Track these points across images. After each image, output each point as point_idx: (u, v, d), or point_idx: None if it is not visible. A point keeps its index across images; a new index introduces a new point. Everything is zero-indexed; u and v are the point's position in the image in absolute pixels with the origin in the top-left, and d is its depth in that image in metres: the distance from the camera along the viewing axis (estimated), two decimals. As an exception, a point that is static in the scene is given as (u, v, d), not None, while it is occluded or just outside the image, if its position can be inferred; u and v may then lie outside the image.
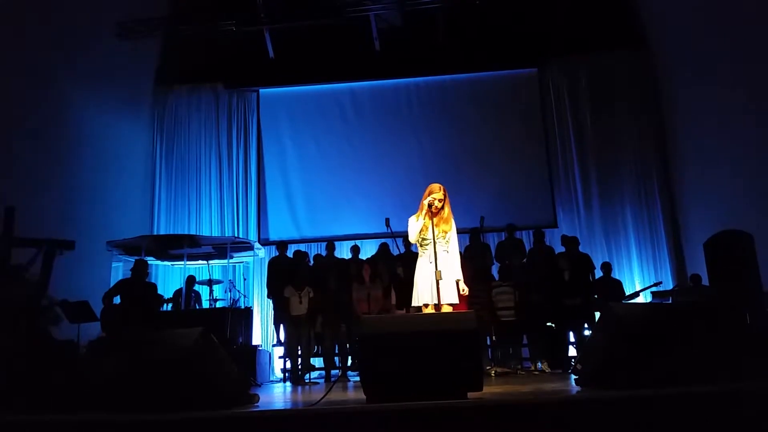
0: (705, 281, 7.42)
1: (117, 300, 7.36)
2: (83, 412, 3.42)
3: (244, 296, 9.19)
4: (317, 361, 8.23)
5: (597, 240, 10.04)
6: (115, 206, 9.67)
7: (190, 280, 8.95)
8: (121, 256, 9.13)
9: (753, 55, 7.42)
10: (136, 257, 8.36)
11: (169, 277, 10.19)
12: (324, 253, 9.19)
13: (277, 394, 5.94)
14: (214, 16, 9.92)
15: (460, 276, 4.67)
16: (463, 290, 4.67)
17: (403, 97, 10.84)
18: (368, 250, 9.36)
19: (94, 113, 9.25)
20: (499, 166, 10.35)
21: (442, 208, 4.63)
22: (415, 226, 4.66)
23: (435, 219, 4.59)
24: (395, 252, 8.51)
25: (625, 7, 10.33)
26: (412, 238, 4.69)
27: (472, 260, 7.83)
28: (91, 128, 9.21)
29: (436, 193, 4.62)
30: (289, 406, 4.35)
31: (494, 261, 8.73)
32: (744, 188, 7.83)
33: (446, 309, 4.39)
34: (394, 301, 7.70)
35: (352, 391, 5.56)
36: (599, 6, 10.15)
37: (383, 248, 8.81)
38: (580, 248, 8.40)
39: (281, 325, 8.37)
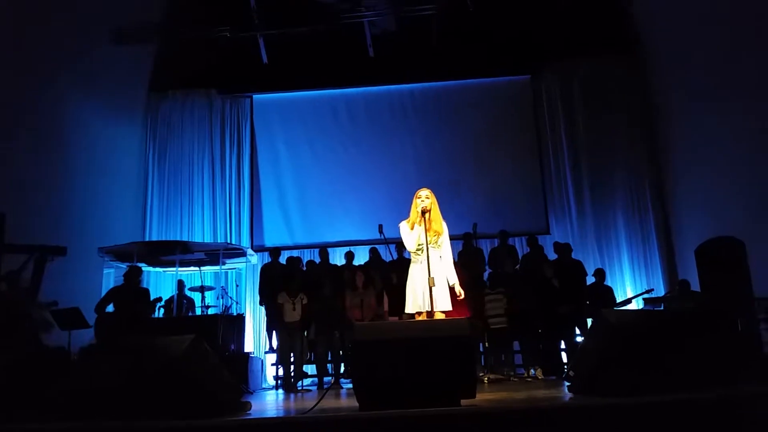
0: (696, 287, 7.45)
1: (110, 308, 7.31)
2: (75, 420, 3.39)
3: (237, 303, 9.16)
4: (310, 368, 8.20)
5: (589, 246, 10.08)
6: (107, 212, 9.62)
7: (181, 285, 8.90)
8: (112, 263, 9.08)
9: (746, 62, 7.49)
10: (129, 263, 8.32)
11: (161, 283, 10.13)
12: (317, 260, 9.18)
13: (270, 402, 5.91)
14: (208, 22, 9.93)
15: (456, 280, 4.67)
16: (459, 294, 4.67)
17: (396, 103, 10.87)
18: (362, 256, 9.36)
19: (87, 118, 9.22)
20: (492, 172, 10.39)
21: (430, 209, 4.63)
22: (411, 235, 4.65)
23: (426, 223, 4.59)
24: (387, 258, 8.51)
25: (618, 13, 10.41)
26: (411, 247, 4.69)
27: (465, 267, 7.83)
28: (84, 133, 9.18)
29: (423, 191, 4.68)
30: (281, 414, 4.33)
31: (487, 267, 8.74)
32: (735, 195, 7.88)
33: (439, 316, 4.38)
34: (386, 307, 7.69)
35: (345, 398, 5.54)
36: (592, 13, 10.22)
37: (374, 254, 8.81)
38: (573, 255, 8.43)
39: (274, 332, 8.34)
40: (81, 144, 9.11)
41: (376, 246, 8.89)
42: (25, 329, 5.22)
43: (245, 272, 10.12)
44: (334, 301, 7.74)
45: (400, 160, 10.53)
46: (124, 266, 8.34)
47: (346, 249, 9.26)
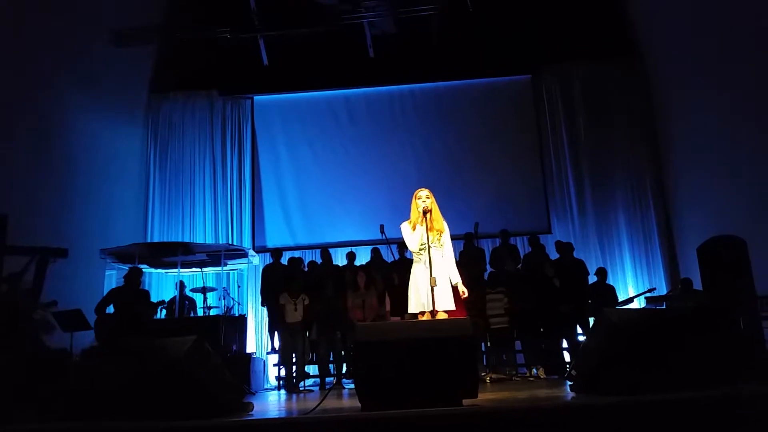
0: (698, 286, 7.43)
1: (110, 309, 7.31)
2: (76, 421, 3.40)
3: (239, 304, 9.16)
4: (312, 369, 8.20)
5: (591, 246, 10.07)
6: (109, 214, 9.63)
7: (181, 286, 8.89)
8: (114, 264, 9.08)
9: (746, 62, 7.48)
10: (130, 265, 8.32)
11: (162, 284, 10.14)
12: (319, 260, 9.18)
13: (272, 402, 5.92)
14: (208, 24, 9.94)
15: (458, 279, 4.67)
16: (463, 293, 4.67)
17: (397, 103, 10.87)
18: (363, 256, 9.36)
19: (88, 120, 9.23)
20: (493, 172, 10.39)
21: (431, 209, 4.64)
22: (413, 236, 4.65)
23: (427, 223, 4.59)
24: (388, 258, 8.51)
25: (618, 14, 10.41)
26: (414, 247, 4.69)
27: (466, 266, 7.82)
28: (85, 135, 9.19)
29: (423, 191, 4.69)
30: (283, 415, 4.33)
31: (488, 267, 8.73)
32: (737, 193, 7.87)
33: (441, 316, 4.38)
34: (388, 307, 7.69)
35: (347, 398, 5.55)
36: (592, 13, 10.22)
37: (376, 254, 8.81)
38: (574, 254, 8.42)
39: (276, 333, 8.34)
40: (82, 145, 9.11)
41: (378, 246, 8.88)
42: (25, 331, 5.21)
43: (247, 273, 10.12)
44: (336, 302, 7.74)
45: (401, 161, 10.53)
46: (125, 268, 8.33)
47: (348, 249, 9.26)
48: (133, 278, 7.47)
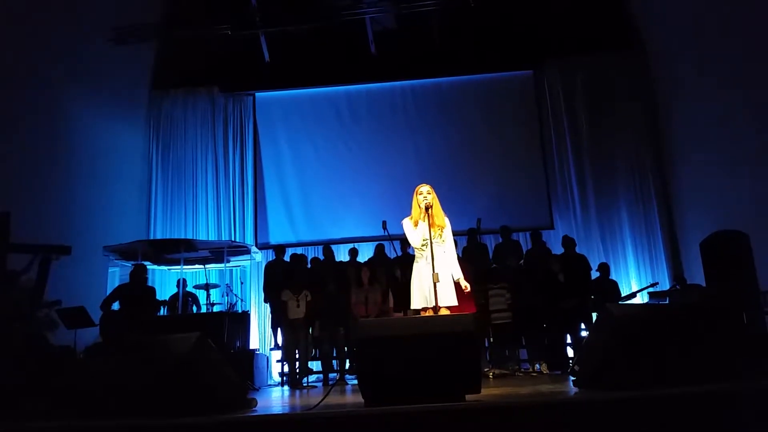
0: (701, 281, 7.42)
1: (116, 306, 7.34)
2: (80, 419, 3.41)
3: (242, 300, 9.18)
4: (315, 365, 8.22)
5: (593, 241, 10.05)
6: (112, 211, 9.64)
7: (183, 283, 8.91)
8: (117, 261, 9.11)
9: (749, 56, 7.46)
10: (133, 262, 8.33)
11: (165, 281, 10.16)
12: (321, 257, 9.18)
13: (275, 398, 5.93)
14: (209, 20, 9.93)
15: (460, 274, 4.67)
16: (465, 287, 4.67)
17: (399, 99, 10.85)
18: (366, 252, 9.36)
19: (90, 118, 9.23)
20: (495, 167, 10.38)
21: (432, 204, 4.64)
22: (416, 232, 4.65)
23: (429, 219, 4.59)
24: (391, 254, 8.51)
25: (621, 8, 10.37)
26: (416, 243, 4.69)
27: (469, 262, 7.82)
28: (87, 133, 9.20)
29: (424, 187, 4.69)
30: (286, 411, 4.34)
31: (492, 263, 8.72)
32: (740, 188, 7.85)
33: (444, 312, 4.38)
34: (391, 303, 7.69)
35: (350, 394, 5.55)
36: (595, 7, 10.18)
37: (379, 250, 8.81)
38: (577, 249, 8.41)
39: (279, 329, 8.35)
40: (84, 143, 9.12)
41: (382, 242, 8.88)
42: (24, 329, 5.22)
43: (249, 270, 10.14)
44: (339, 298, 7.74)
45: (403, 157, 10.51)
46: (129, 265, 8.35)
47: (350, 246, 9.27)
48: (138, 275, 7.49)
